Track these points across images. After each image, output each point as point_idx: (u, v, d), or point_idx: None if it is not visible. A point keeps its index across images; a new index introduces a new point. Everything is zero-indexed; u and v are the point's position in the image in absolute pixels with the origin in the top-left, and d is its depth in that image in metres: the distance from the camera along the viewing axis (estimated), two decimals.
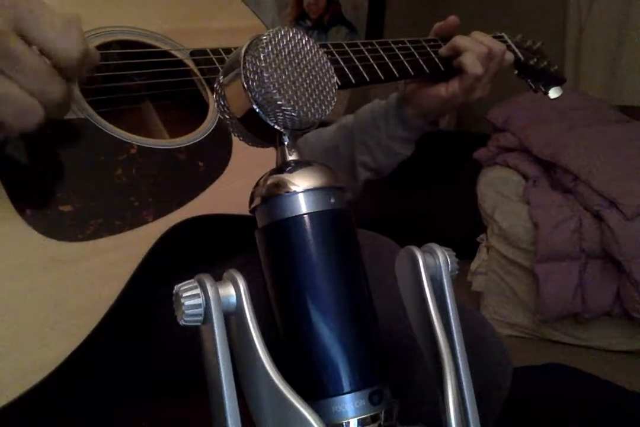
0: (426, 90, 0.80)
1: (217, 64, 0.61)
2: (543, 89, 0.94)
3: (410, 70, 0.76)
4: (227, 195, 0.55)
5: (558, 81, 0.95)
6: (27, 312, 0.44)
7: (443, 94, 0.79)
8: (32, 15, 0.41)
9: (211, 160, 0.57)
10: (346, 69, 0.70)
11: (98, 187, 0.50)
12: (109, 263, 0.48)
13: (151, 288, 0.52)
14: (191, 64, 0.61)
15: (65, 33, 0.42)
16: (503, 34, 0.89)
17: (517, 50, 0.88)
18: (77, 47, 0.42)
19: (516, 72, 0.91)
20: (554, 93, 0.94)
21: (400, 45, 0.78)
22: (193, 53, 0.61)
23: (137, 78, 0.60)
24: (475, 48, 0.77)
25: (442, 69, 0.79)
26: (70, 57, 0.42)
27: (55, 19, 0.42)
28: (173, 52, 0.60)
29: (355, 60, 0.72)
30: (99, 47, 0.55)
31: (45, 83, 0.41)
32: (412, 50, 0.78)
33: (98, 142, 0.52)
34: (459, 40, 0.79)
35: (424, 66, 0.78)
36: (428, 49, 0.80)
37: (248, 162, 0.56)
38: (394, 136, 0.82)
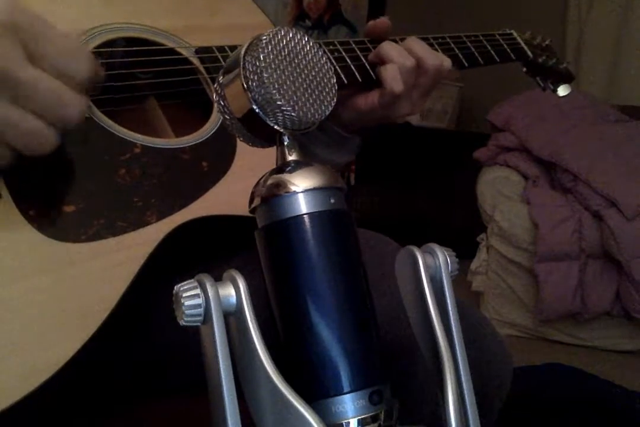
0: (345, 99, 0.68)
1: (223, 62, 0.61)
2: (552, 87, 0.93)
3: (343, 77, 0.66)
4: (231, 196, 0.55)
5: (567, 78, 0.94)
6: (29, 313, 0.44)
7: (361, 106, 0.68)
8: (42, 38, 0.40)
9: (215, 160, 0.56)
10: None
11: (101, 187, 0.50)
12: (111, 264, 0.48)
13: (152, 288, 0.52)
14: (196, 62, 0.61)
15: (76, 55, 0.42)
16: (512, 31, 0.88)
17: (525, 48, 0.87)
18: (88, 67, 0.43)
19: (525, 69, 0.90)
20: (562, 91, 0.93)
21: (331, 47, 0.67)
22: (198, 51, 0.61)
23: (142, 76, 0.59)
24: (400, 60, 0.65)
25: (374, 77, 0.67)
26: (82, 77, 0.42)
27: (66, 41, 0.42)
28: (178, 49, 0.60)
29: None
30: (103, 45, 0.55)
31: (64, 111, 0.41)
32: (343, 53, 0.67)
33: (102, 141, 0.51)
34: (386, 48, 0.66)
35: (356, 73, 0.67)
36: (358, 52, 0.69)
37: (252, 162, 0.56)
38: (312, 139, 0.70)
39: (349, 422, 0.29)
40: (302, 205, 0.30)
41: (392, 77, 0.64)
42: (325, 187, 0.31)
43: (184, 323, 0.29)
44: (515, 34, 0.88)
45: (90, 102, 0.53)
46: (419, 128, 2.87)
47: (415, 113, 0.71)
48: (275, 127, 0.32)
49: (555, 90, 0.93)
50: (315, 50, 0.32)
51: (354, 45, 0.69)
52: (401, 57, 0.66)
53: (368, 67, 0.67)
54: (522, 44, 0.87)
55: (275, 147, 0.33)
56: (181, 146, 0.55)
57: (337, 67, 0.65)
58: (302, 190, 0.30)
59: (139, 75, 0.59)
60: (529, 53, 0.87)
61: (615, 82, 2.78)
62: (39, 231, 0.46)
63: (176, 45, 0.60)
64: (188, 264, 0.55)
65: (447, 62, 0.69)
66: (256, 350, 0.28)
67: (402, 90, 0.65)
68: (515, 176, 2.16)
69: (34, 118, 0.40)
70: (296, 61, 0.31)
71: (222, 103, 0.33)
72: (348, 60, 0.67)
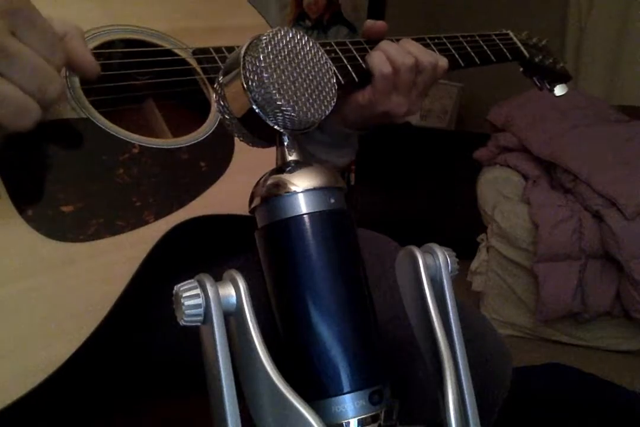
0: (345, 97, 0.70)
1: (220, 63, 0.61)
2: (548, 87, 0.93)
3: (340, 77, 0.67)
4: (229, 195, 0.55)
5: (564, 78, 0.94)
6: (28, 312, 0.44)
7: (359, 100, 0.69)
8: (28, 21, 0.41)
9: (213, 160, 0.57)
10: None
11: (99, 187, 0.50)
12: (110, 264, 0.48)
13: (151, 288, 0.52)
14: (194, 63, 0.61)
15: (52, 45, 0.43)
16: (508, 31, 0.89)
17: (522, 48, 0.88)
18: (60, 61, 0.43)
19: (522, 69, 0.90)
20: (559, 90, 0.93)
21: (328, 48, 0.68)
22: (195, 52, 0.61)
23: (139, 77, 0.59)
24: (399, 58, 0.67)
25: (357, 79, 0.68)
26: (57, 62, 0.43)
27: (48, 33, 0.42)
28: (175, 50, 0.60)
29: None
30: (101, 46, 0.55)
31: (46, 81, 0.42)
32: (340, 54, 0.68)
33: (100, 141, 0.51)
34: (385, 47, 0.69)
35: (352, 73, 0.68)
36: (354, 53, 0.69)
37: (250, 162, 0.56)
38: (311, 140, 0.73)
39: (349, 422, 0.29)
40: (302, 206, 0.30)
41: (379, 60, 0.67)
42: (325, 187, 0.31)
43: (184, 323, 0.29)
44: (511, 34, 0.89)
45: (86, 100, 0.53)
46: (419, 128, 2.87)
47: (414, 112, 0.72)
48: (275, 127, 0.32)
49: (552, 90, 0.94)
50: (315, 50, 0.32)
51: (350, 46, 0.69)
52: (400, 55, 0.67)
53: (365, 66, 0.68)
54: (519, 44, 0.88)
55: (274, 147, 0.33)
56: (179, 146, 0.55)
57: (334, 68, 0.65)
58: (302, 190, 0.30)
59: (136, 76, 0.59)
60: (526, 53, 0.88)
61: (615, 82, 2.78)
62: (37, 231, 0.46)
63: (174, 46, 0.60)
64: (187, 263, 0.55)
65: (442, 61, 0.71)
66: (256, 350, 0.28)
67: (389, 72, 0.67)
68: (515, 176, 2.16)
69: (17, 89, 0.41)
70: (296, 61, 0.31)
71: (222, 103, 0.33)
72: (345, 60, 0.68)
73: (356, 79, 0.68)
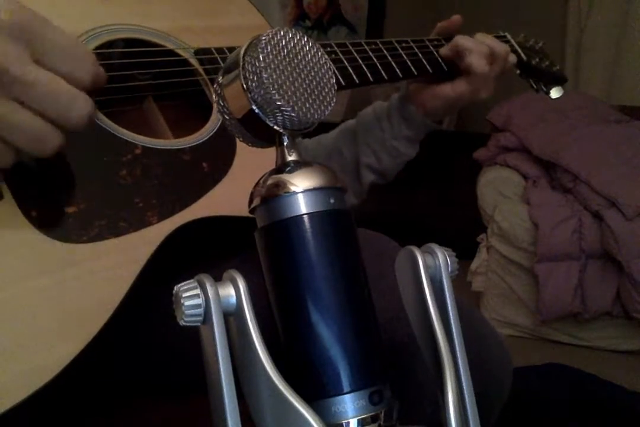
0: (431, 90, 0.79)
1: (222, 64, 0.61)
2: (545, 89, 0.94)
3: (413, 70, 0.76)
4: (231, 196, 0.55)
5: (560, 81, 0.95)
6: (31, 314, 0.44)
7: (450, 93, 0.78)
8: (45, 38, 0.40)
9: (215, 161, 0.57)
10: (350, 69, 0.70)
11: (102, 188, 0.50)
12: (113, 265, 0.48)
13: (154, 288, 0.52)
14: (195, 63, 0.61)
15: (79, 57, 0.42)
16: (505, 33, 0.90)
17: (519, 50, 0.88)
18: (91, 69, 0.42)
19: (518, 71, 0.91)
20: (555, 93, 0.94)
21: (403, 44, 0.77)
22: (197, 52, 0.61)
23: (141, 77, 0.59)
24: (478, 48, 0.77)
25: (445, 69, 0.79)
26: (85, 79, 0.42)
27: (70, 43, 0.41)
28: (178, 51, 0.60)
29: (359, 60, 0.71)
30: (103, 46, 0.55)
31: (68, 109, 0.40)
32: (416, 49, 0.77)
33: (102, 142, 0.51)
34: (461, 40, 0.78)
35: (427, 66, 0.77)
36: (431, 48, 0.79)
37: (252, 162, 0.56)
38: (398, 136, 0.82)
39: (348, 423, 0.29)
40: (302, 206, 0.30)
41: (478, 62, 0.77)
42: (325, 187, 0.31)
43: (184, 323, 0.29)
44: (508, 37, 0.89)
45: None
46: None
47: (489, 95, 0.81)
48: (275, 127, 0.32)
49: (548, 93, 0.94)
50: (315, 50, 0.32)
51: (350, 47, 0.73)
52: (478, 46, 0.77)
53: (440, 60, 0.79)
54: (516, 46, 0.88)
55: (275, 147, 0.33)
56: (181, 147, 0.55)
57: (334, 68, 0.68)
58: (302, 190, 0.30)
59: (138, 76, 0.59)
60: (522, 55, 0.88)
61: (615, 82, 2.78)
62: (40, 232, 0.46)
63: (175, 46, 0.60)
64: (188, 264, 0.55)
65: (511, 53, 0.82)
66: (256, 350, 0.28)
67: (487, 71, 0.77)
68: (515, 176, 2.16)
69: (36, 117, 0.40)
70: (296, 61, 0.31)
71: (221, 103, 0.33)
72: (420, 55, 0.77)
73: (429, 71, 0.78)
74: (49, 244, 0.46)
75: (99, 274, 0.47)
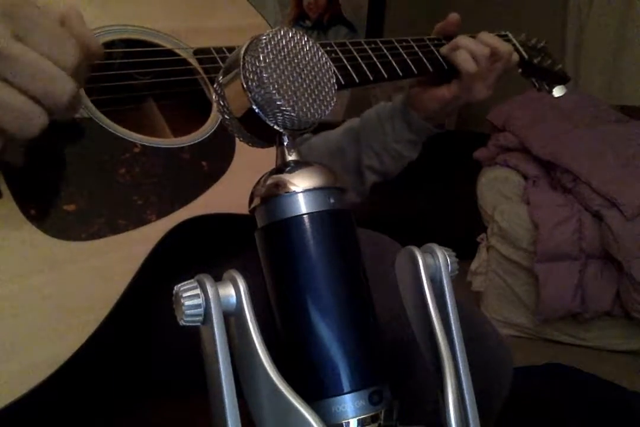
0: (430, 93, 0.79)
1: (221, 63, 0.61)
2: (547, 88, 0.94)
3: (413, 69, 0.76)
4: (230, 194, 0.55)
5: (562, 80, 0.95)
6: (30, 311, 0.44)
7: (446, 95, 0.78)
8: (29, 20, 0.40)
9: (214, 159, 0.57)
10: (349, 68, 0.70)
11: (102, 186, 0.50)
12: (112, 262, 0.48)
13: (152, 287, 0.52)
14: (195, 63, 0.61)
15: (61, 40, 0.42)
16: (507, 32, 0.89)
17: (521, 49, 0.88)
18: (73, 52, 0.42)
19: (520, 70, 0.91)
20: (557, 92, 0.94)
21: (404, 44, 0.77)
22: (196, 52, 0.61)
23: (141, 77, 0.60)
24: (473, 47, 0.76)
25: (446, 67, 0.79)
26: (68, 62, 0.42)
27: (52, 27, 0.41)
28: (177, 50, 0.60)
29: (359, 59, 0.71)
30: (103, 46, 0.55)
31: (50, 85, 0.40)
32: (416, 49, 0.77)
33: (102, 141, 0.52)
34: (460, 40, 0.78)
35: (428, 65, 0.77)
36: (432, 47, 0.79)
37: (251, 161, 0.56)
38: (400, 139, 0.82)
39: (349, 423, 0.29)
40: (302, 206, 0.30)
41: (463, 59, 0.76)
42: (325, 187, 0.31)
43: (184, 323, 0.29)
44: (510, 36, 0.89)
45: (88, 100, 0.53)
46: None
47: (489, 95, 0.81)
48: (275, 127, 0.32)
49: (550, 91, 0.94)
50: (315, 50, 0.32)
51: (350, 46, 0.73)
52: (474, 45, 0.77)
53: (441, 59, 0.79)
54: (518, 45, 0.88)
55: (275, 147, 0.33)
56: (181, 146, 0.56)
57: (334, 68, 0.68)
58: (302, 190, 0.30)
59: (137, 76, 0.59)
60: (524, 54, 0.88)
61: (615, 82, 2.78)
62: (39, 230, 0.46)
63: (174, 46, 0.60)
64: (188, 263, 0.55)
65: (514, 52, 0.82)
66: (256, 350, 0.28)
67: (475, 70, 0.76)
68: (515, 176, 2.16)
69: (20, 94, 0.40)
70: (296, 61, 0.31)
71: (221, 103, 0.33)
72: (420, 54, 0.77)
73: (429, 69, 0.78)
74: (48, 242, 0.46)
75: (98, 271, 0.47)
